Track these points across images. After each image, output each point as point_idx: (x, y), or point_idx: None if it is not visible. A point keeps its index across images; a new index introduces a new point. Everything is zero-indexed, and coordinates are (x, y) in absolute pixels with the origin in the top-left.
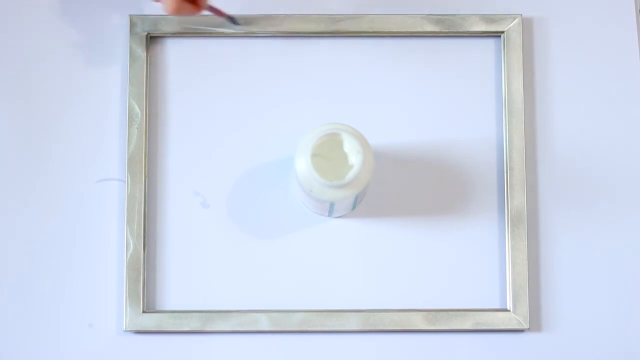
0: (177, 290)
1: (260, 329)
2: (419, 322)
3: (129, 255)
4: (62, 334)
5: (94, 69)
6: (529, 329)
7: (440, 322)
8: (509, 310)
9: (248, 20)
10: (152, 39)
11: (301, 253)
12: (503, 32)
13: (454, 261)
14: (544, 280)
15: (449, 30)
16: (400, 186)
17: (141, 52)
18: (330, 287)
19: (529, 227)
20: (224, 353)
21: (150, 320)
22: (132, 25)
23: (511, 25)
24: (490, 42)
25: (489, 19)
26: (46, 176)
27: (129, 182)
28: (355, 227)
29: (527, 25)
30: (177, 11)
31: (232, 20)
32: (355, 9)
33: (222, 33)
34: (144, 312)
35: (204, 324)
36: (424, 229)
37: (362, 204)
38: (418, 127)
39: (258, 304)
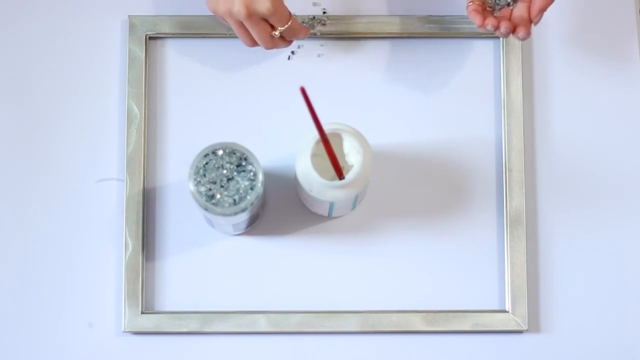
0: (175, 291)
1: (259, 330)
2: (418, 323)
3: (127, 255)
4: (60, 334)
5: (93, 69)
6: (527, 330)
7: (439, 323)
8: (508, 312)
9: None
10: (151, 40)
11: (301, 253)
12: None
13: (453, 262)
14: (542, 282)
15: (449, 31)
16: (400, 186)
17: (140, 53)
18: (329, 287)
19: (528, 228)
20: (222, 354)
21: (148, 321)
22: (131, 26)
23: None
24: (489, 43)
25: None
26: (45, 176)
27: (128, 182)
28: (355, 227)
29: None
30: None
31: None
32: (355, 10)
33: (221, 34)
34: (142, 313)
35: (202, 325)
36: (423, 229)
37: (362, 204)
38: (418, 127)
39: (257, 305)
